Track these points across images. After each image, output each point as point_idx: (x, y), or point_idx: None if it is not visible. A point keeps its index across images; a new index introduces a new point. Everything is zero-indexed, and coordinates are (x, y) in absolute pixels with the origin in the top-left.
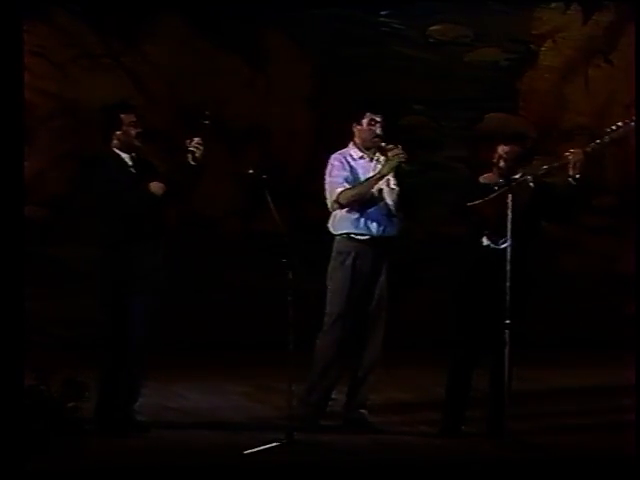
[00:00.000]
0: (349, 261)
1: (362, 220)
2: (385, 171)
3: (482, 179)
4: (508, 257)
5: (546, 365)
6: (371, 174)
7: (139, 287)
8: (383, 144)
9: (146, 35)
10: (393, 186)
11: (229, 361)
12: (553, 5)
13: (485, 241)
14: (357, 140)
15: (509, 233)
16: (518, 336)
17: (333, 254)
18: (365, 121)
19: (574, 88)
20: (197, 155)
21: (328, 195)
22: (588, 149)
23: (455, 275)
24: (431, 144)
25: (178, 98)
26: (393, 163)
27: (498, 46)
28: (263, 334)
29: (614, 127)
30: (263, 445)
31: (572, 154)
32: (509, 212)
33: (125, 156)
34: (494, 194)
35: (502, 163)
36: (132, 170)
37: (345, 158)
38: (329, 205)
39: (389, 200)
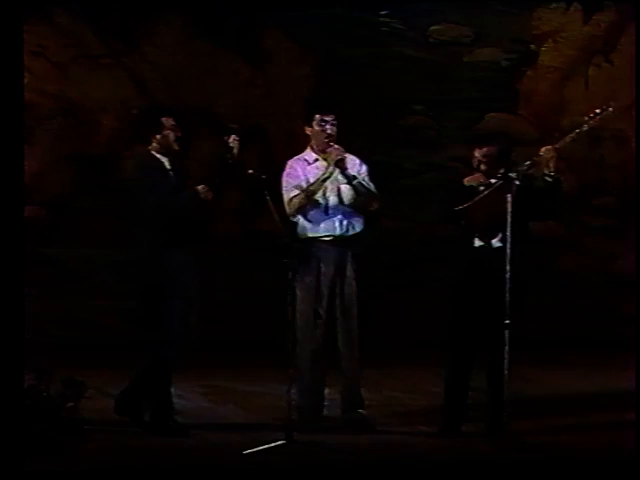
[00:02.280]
0: (314, 263)
1: (324, 223)
2: (327, 174)
3: (467, 181)
4: (507, 255)
5: (545, 365)
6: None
7: (178, 290)
8: (332, 144)
9: (146, 35)
10: (342, 185)
11: (228, 361)
12: (553, 5)
13: (477, 242)
14: (312, 143)
15: (508, 230)
16: (512, 335)
17: (303, 257)
18: (315, 123)
19: (574, 88)
20: (235, 152)
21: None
22: (558, 145)
23: (451, 277)
24: (431, 144)
25: (178, 98)
26: (331, 162)
27: (498, 46)
28: (262, 334)
29: (590, 116)
30: (262, 445)
31: (544, 151)
32: (508, 212)
33: (164, 160)
34: (480, 195)
35: (483, 166)
36: (171, 174)
37: (299, 164)
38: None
39: (347, 199)
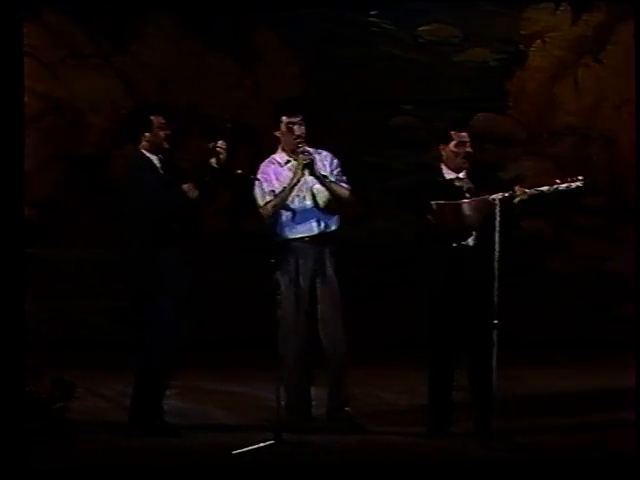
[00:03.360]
0: (292, 262)
1: (301, 225)
2: (297, 178)
3: (446, 174)
4: (496, 256)
5: (534, 365)
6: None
7: (167, 289)
8: (300, 146)
9: (135, 35)
10: (316, 186)
11: (216, 361)
12: (542, 5)
13: (454, 242)
14: (282, 145)
15: (497, 233)
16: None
17: (277, 259)
18: (282, 125)
19: (563, 88)
20: (221, 157)
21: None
22: (532, 192)
23: (429, 276)
24: (420, 144)
25: (168, 98)
26: (300, 166)
27: (487, 46)
28: (250, 334)
29: (561, 180)
30: (251, 445)
31: (518, 191)
32: (497, 215)
33: (154, 158)
34: (462, 201)
35: (468, 148)
36: (161, 172)
37: (271, 167)
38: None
39: (321, 199)
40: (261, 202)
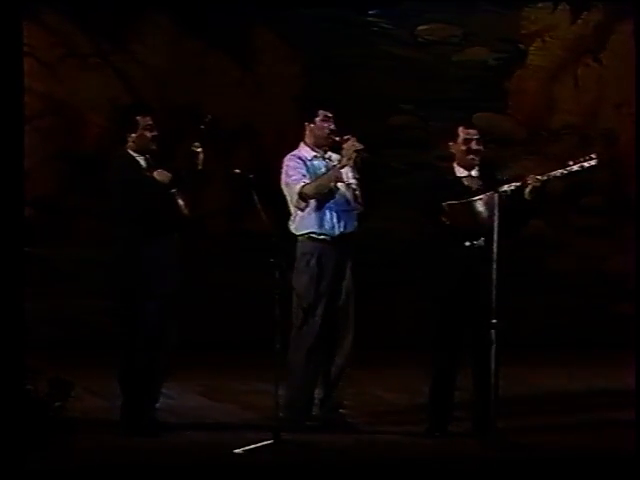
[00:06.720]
0: (313, 261)
1: (322, 218)
2: (344, 162)
3: (459, 172)
4: (494, 255)
5: (533, 364)
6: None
7: (154, 287)
8: (337, 139)
9: (134, 34)
10: (350, 180)
11: (215, 360)
12: (541, 5)
13: (467, 242)
14: (308, 140)
15: (495, 231)
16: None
17: (297, 255)
18: (318, 118)
19: (563, 88)
20: (198, 159)
21: (288, 195)
22: (544, 178)
23: (439, 276)
24: (419, 144)
25: (167, 98)
26: (350, 153)
27: (487, 46)
28: (249, 333)
29: (576, 161)
30: (250, 445)
31: (531, 179)
32: (496, 213)
33: (140, 159)
34: (472, 199)
35: (475, 146)
36: (147, 173)
37: (299, 158)
38: (292, 204)
39: (347, 195)
40: (296, 188)
